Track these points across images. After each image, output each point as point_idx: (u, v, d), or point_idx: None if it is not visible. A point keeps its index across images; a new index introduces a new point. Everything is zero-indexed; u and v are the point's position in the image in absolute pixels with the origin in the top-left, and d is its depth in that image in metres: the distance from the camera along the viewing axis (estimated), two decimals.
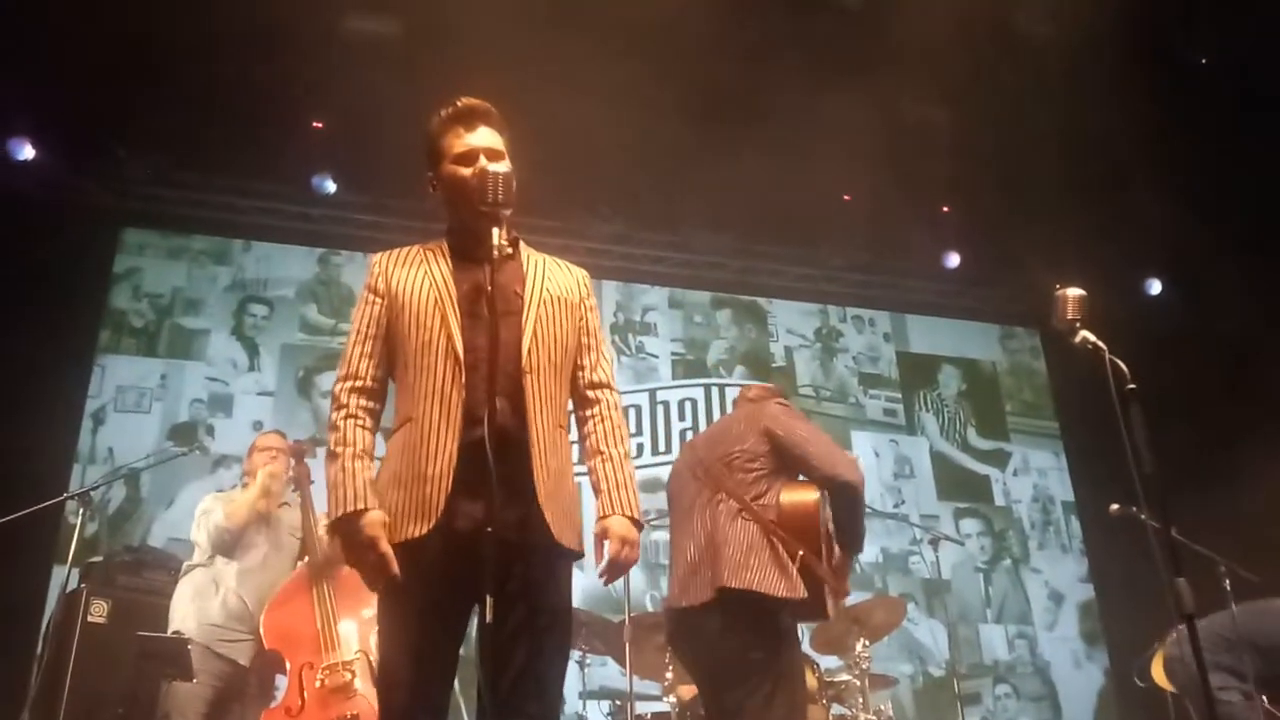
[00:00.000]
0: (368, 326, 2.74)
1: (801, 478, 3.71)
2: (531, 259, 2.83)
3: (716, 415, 8.41)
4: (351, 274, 8.21)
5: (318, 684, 4.34)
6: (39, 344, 6.85)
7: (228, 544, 4.77)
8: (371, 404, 2.72)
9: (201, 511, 4.91)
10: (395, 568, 2.50)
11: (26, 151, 7.23)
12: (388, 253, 2.83)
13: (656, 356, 8.51)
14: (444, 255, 2.76)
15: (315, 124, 7.38)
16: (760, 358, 8.84)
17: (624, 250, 8.54)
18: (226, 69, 6.42)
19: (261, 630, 4.52)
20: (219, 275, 7.96)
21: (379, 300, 2.75)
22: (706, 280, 8.96)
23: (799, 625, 3.81)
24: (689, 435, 8.23)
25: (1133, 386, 3.03)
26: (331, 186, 7.74)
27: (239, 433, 7.34)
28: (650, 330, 8.58)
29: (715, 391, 8.55)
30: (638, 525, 2.72)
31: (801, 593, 3.47)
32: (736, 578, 3.44)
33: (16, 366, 6.63)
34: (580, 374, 2.82)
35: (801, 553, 3.50)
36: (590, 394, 2.83)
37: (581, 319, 2.84)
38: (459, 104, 2.78)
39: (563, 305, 2.78)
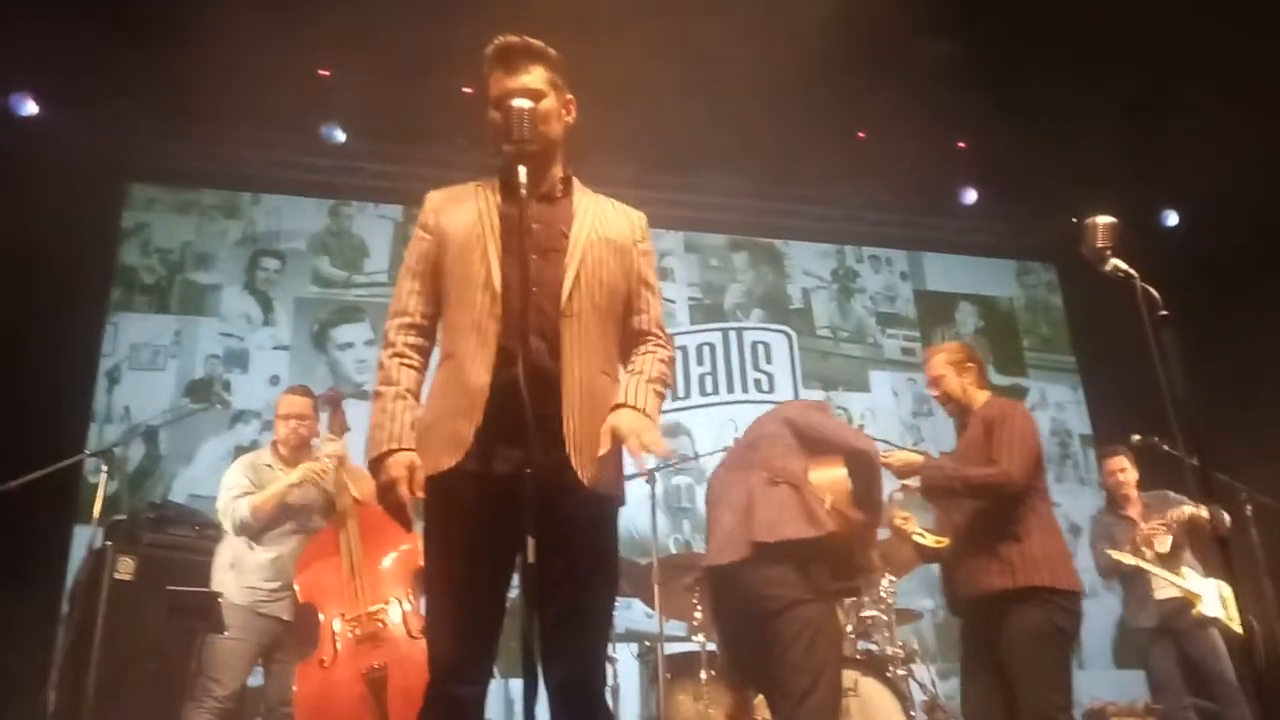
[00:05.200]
0: (417, 263, 2.71)
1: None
2: (584, 200, 2.76)
3: (735, 359, 8.40)
4: (363, 225, 8.14)
5: (349, 635, 4.33)
6: (50, 303, 6.74)
7: (252, 533, 4.77)
8: (420, 341, 2.68)
9: (226, 489, 4.84)
10: (410, 514, 2.50)
11: (29, 107, 7.12)
12: (442, 190, 2.79)
13: (673, 301, 8.41)
14: (494, 192, 2.70)
15: (322, 72, 7.25)
16: (778, 300, 8.79)
17: (637, 194, 8.24)
18: (230, 17, 6.27)
19: (295, 586, 4.53)
20: (229, 229, 7.90)
21: (428, 236, 2.72)
22: (722, 223, 8.87)
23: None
24: (708, 381, 8.22)
25: (1165, 313, 3.02)
26: (341, 136, 7.61)
27: (256, 388, 7.35)
28: (667, 275, 8.46)
29: (734, 335, 8.50)
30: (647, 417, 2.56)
31: (829, 527, 3.62)
32: (771, 533, 3.61)
33: (28, 327, 6.54)
34: (630, 321, 2.75)
35: (830, 498, 3.66)
36: (640, 345, 2.75)
37: (633, 264, 2.75)
38: (496, 44, 2.68)
39: (612, 248, 2.70)
